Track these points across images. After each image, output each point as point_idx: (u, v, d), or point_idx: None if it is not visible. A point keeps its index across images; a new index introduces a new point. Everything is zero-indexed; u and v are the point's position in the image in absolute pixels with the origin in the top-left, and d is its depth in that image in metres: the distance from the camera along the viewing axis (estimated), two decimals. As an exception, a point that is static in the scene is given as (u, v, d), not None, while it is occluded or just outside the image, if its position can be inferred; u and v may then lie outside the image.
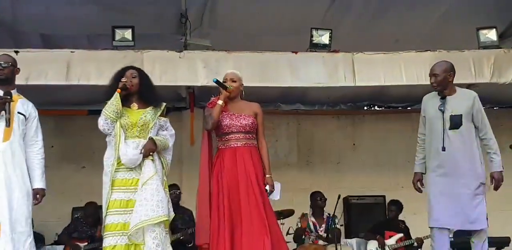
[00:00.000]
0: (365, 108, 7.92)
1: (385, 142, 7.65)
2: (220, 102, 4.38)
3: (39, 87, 5.33)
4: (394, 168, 7.55)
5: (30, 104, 4.31)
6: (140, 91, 4.27)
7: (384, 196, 7.39)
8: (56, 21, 6.05)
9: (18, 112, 4.18)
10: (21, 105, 4.23)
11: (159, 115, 4.30)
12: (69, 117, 7.10)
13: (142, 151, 4.11)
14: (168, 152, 4.36)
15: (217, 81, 4.38)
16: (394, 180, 7.57)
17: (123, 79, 4.22)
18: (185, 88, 6.73)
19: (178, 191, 6.49)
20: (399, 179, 7.39)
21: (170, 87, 5.99)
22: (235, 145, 4.36)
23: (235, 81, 4.45)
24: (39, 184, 4.19)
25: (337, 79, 5.85)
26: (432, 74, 4.58)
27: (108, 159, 4.17)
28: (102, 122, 4.17)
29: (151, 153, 4.14)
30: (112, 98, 4.17)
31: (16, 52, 5.35)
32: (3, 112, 4.12)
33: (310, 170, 7.73)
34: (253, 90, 6.11)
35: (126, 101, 4.23)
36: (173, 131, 4.42)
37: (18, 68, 4.35)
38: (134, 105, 4.27)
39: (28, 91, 4.44)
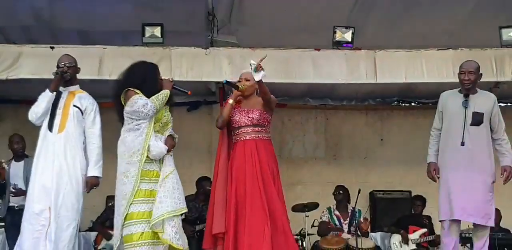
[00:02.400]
0: (394, 104, 8.03)
1: (413, 138, 7.67)
2: (230, 101, 4.63)
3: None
4: (421, 163, 7.56)
5: (89, 99, 4.68)
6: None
7: (410, 191, 7.50)
8: (92, 18, 6.39)
9: (74, 106, 4.58)
10: (78, 99, 4.63)
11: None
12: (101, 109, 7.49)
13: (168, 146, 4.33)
14: None
15: (227, 82, 4.61)
16: (420, 175, 7.55)
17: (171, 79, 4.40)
18: (215, 83, 6.99)
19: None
20: (425, 174, 7.48)
21: (200, 82, 6.26)
22: (244, 138, 4.59)
23: (248, 80, 4.65)
24: (91, 172, 4.51)
25: (358, 76, 6.02)
26: (467, 72, 4.71)
27: (134, 147, 4.25)
28: (151, 107, 4.24)
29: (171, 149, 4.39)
30: (165, 94, 4.35)
31: (52, 48, 5.76)
32: (61, 103, 4.51)
33: (337, 164, 7.90)
34: (279, 86, 6.41)
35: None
36: None
37: (79, 68, 4.78)
38: None
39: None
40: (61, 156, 4.49)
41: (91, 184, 4.55)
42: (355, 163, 7.88)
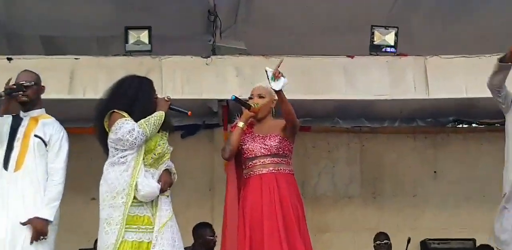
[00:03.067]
0: (450, 125, 8.05)
1: (476, 169, 7.72)
2: (240, 124, 4.61)
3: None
4: (488, 202, 7.60)
5: (54, 126, 4.67)
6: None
7: (474, 240, 7.46)
8: (60, 21, 6.49)
9: (35, 136, 4.56)
10: (41, 126, 4.61)
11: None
12: (74, 137, 7.53)
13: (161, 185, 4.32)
14: None
15: (236, 99, 4.60)
16: (487, 218, 7.60)
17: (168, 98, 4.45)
18: (217, 101, 7.03)
19: (215, 236, 6.59)
20: (494, 216, 7.47)
21: (198, 100, 6.32)
22: (260, 172, 4.60)
23: (263, 97, 4.67)
24: (39, 212, 4.42)
25: (405, 90, 6.07)
26: None
27: (118, 186, 4.26)
28: (138, 134, 4.27)
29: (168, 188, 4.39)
30: (159, 117, 4.37)
31: (9, 59, 5.84)
32: (19, 133, 4.54)
33: (378, 205, 7.90)
34: (301, 104, 6.44)
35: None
36: None
37: (43, 86, 4.76)
38: None
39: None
40: (18, 200, 4.47)
41: (34, 228, 4.42)
42: (401, 202, 7.88)
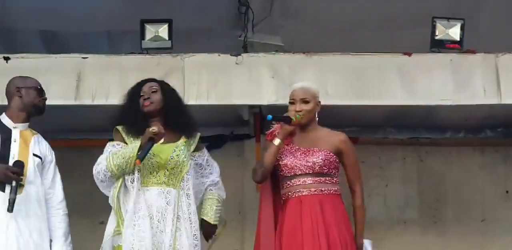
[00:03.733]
0: (524, 136, 8.02)
1: (556, 188, 7.72)
2: (276, 142, 4.61)
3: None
4: None
5: (45, 143, 4.77)
6: (166, 112, 4.61)
7: (550, 271, 7.48)
8: (63, 13, 6.56)
9: (34, 155, 4.64)
10: (36, 144, 4.70)
11: (193, 151, 4.65)
12: (81, 150, 7.57)
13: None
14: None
15: (274, 118, 4.57)
16: None
17: (154, 129, 4.45)
18: (248, 107, 7.05)
19: None
20: None
21: (226, 106, 6.32)
22: (300, 193, 4.61)
23: (308, 102, 4.68)
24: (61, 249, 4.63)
25: (472, 94, 6.03)
26: None
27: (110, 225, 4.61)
28: (98, 169, 4.55)
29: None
30: (127, 149, 4.48)
31: (6, 59, 5.88)
32: (13, 149, 4.59)
33: (440, 231, 7.84)
34: (347, 111, 6.42)
35: (144, 128, 4.53)
36: (216, 164, 4.84)
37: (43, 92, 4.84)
38: None
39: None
40: (23, 230, 4.53)
41: None
42: (468, 228, 7.82)
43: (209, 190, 4.80)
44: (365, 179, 7.86)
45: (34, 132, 4.77)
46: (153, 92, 4.63)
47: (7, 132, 4.62)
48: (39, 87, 4.75)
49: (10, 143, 4.60)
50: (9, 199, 4.39)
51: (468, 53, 6.11)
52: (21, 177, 4.49)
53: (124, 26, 6.35)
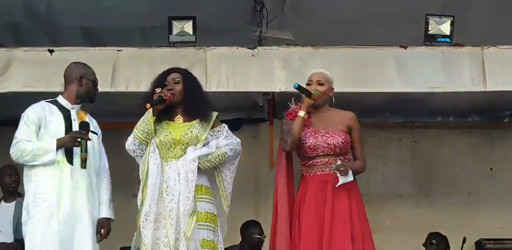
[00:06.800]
0: (507, 119, 7.99)
1: (535, 166, 7.72)
2: (301, 113, 4.58)
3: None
4: (547, 201, 7.59)
5: (95, 121, 4.84)
6: (185, 100, 4.64)
7: (532, 240, 7.47)
8: (100, 11, 6.59)
9: (91, 131, 4.69)
10: (91, 122, 4.76)
11: (212, 127, 4.64)
12: (117, 132, 7.63)
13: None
14: (229, 174, 4.78)
15: (299, 88, 4.58)
16: (547, 217, 7.61)
17: (158, 90, 4.56)
18: (262, 94, 7.07)
19: (263, 235, 6.61)
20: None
21: (242, 93, 6.40)
22: (322, 172, 4.60)
23: (322, 85, 4.67)
24: (105, 212, 4.66)
25: (461, 82, 6.05)
26: None
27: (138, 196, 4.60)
28: (129, 142, 4.63)
29: None
30: (145, 115, 4.57)
31: (51, 51, 5.95)
32: (74, 127, 4.62)
33: (431, 204, 7.88)
34: (350, 97, 6.44)
35: (169, 114, 4.62)
36: (235, 137, 4.76)
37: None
38: (179, 118, 4.64)
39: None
40: (83, 197, 4.57)
41: (106, 229, 4.64)
42: (455, 201, 7.84)
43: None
44: (366, 158, 7.94)
45: (85, 112, 4.83)
46: (175, 83, 4.66)
47: (67, 112, 4.68)
48: (96, 80, 4.80)
49: (71, 122, 4.65)
50: (80, 156, 4.51)
51: (457, 46, 6.14)
52: (88, 136, 4.58)
53: (153, 22, 6.38)
